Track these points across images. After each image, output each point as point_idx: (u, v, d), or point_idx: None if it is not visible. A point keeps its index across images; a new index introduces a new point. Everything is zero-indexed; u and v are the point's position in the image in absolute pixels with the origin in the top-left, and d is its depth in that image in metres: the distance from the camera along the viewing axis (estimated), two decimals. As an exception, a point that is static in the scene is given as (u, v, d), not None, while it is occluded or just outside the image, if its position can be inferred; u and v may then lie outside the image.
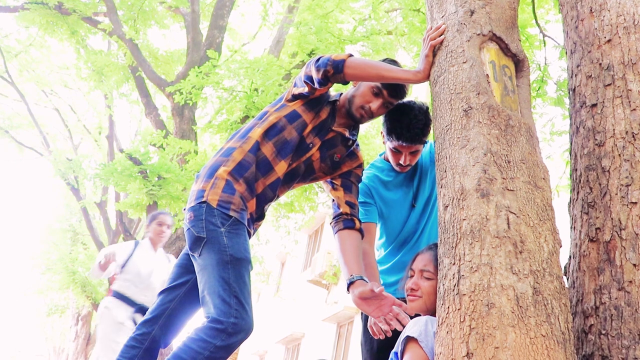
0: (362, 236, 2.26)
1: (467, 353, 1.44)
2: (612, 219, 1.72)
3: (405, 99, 2.30)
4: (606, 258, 1.70)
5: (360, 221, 2.27)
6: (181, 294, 2.13)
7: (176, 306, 2.12)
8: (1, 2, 9.98)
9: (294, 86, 2.26)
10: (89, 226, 12.65)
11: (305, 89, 2.20)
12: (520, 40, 2.11)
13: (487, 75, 1.89)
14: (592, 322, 1.66)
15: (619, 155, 1.78)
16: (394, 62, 2.23)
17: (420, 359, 1.67)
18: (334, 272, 13.39)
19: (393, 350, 1.81)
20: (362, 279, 2.03)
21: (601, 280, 1.69)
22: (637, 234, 1.66)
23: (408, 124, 2.27)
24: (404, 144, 2.32)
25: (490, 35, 1.98)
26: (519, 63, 2.03)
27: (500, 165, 1.69)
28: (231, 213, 2.00)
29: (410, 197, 2.51)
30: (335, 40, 7.38)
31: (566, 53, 2.18)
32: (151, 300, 4.26)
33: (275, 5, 10.50)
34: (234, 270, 1.92)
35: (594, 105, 1.91)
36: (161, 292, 2.16)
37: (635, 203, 1.70)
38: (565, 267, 1.87)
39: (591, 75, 1.96)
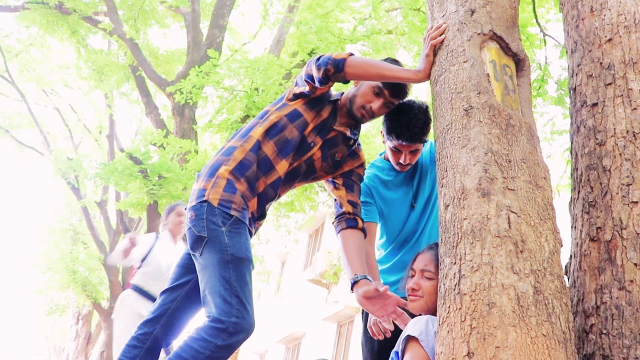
0: (365, 235, 2.27)
1: (468, 352, 1.44)
2: (613, 218, 1.72)
3: (406, 99, 2.30)
4: (607, 257, 1.70)
5: (363, 220, 2.27)
6: (183, 293, 2.13)
7: (178, 306, 2.12)
8: (2, 2, 9.98)
9: (295, 85, 2.26)
10: (89, 225, 12.66)
11: (306, 88, 2.20)
12: (520, 40, 2.11)
13: (488, 74, 1.89)
14: (593, 322, 1.66)
15: (620, 154, 1.78)
16: (395, 61, 2.23)
17: (421, 359, 1.67)
18: (335, 271, 13.38)
19: (394, 350, 1.81)
20: (366, 278, 2.03)
21: (602, 279, 1.69)
22: (638, 234, 1.66)
23: (408, 123, 2.27)
24: (404, 143, 2.31)
25: (491, 34, 1.98)
26: (519, 62, 2.03)
27: (501, 164, 1.69)
28: (232, 212, 2.00)
29: (410, 197, 2.51)
30: (336, 40, 7.38)
31: (567, 52, 2.17)
32: None
33: (275, 4, 10.51)
34: (235, 270, 1.92)
35: (595, 104, 1.90)
36: (163, 292, 2.16)
37: (636, 202, 1.70)
38: (566, 267, 1.87)
39: (592, 75, 1.96)
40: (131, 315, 4.20)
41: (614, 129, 1.82)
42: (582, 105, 1.96)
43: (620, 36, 1.93)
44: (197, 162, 7.35)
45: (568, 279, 1.85)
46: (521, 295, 1.48)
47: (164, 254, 4.42)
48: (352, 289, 2.05)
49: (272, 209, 8.83)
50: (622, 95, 1.85)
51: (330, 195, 2.41)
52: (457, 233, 1.65)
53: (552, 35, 4.99)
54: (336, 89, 2.43)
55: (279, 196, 2.24)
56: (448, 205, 1.73)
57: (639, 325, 1.58)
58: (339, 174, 2.33)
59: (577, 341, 1.68)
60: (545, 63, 5.32)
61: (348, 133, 2.30)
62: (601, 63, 1.94)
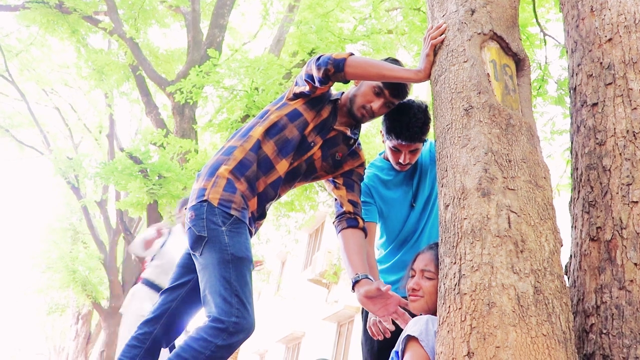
0: (366, 235, 2.27)
1: (468, 352, 1.44)
2: (613, 218, 1.72)
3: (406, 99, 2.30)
4: (607, 257, 1.70)
5: (363, 220, 2.27)
6: (183, 293, 2.13)
7: (178, 306, 2.12)
8: (2, 1, 9.98)
9: (295, 85, 2.26)
10: (89, 225, 12.67)
11: (306, 88, 2.20)
12: (520, 39, 2.11)
13: (488, 74, 1.89)
14: (593, 322, 1.66)
15: (620, 154, 1.78)
16: (395, 61, 2.23)
17: (421, 358, 1.67)
18: (335, 271, 13.37)
19: (394, 350, 1.81)
20: (367, 277, 2.03)
21: (602, 279, 1.69)
22: (638, 233, 1.66)
23: (407, 123, 2.27)
24: (404, 143, 2.31)
25: (491, 34, 1.98)
26: (519, 62, 2.03)
27: (501, 164, 1.69)
28: (232, 212, 2.00)
29: (410, 196, 2.51)
30: (336, 39, 7.38)
31: (567, 52, 2.17)
32: None
33: (275, 4, 10.51)
34: (235, 270, 1.92)
35: (595, 104, 1.91)
36: (163, 292, 2.16)
37: (636, 202, 1.70)
38: (566, 266, 1.87)
39: (592, 74, 1.96)
40: (141, 310, 4.16)
41: (614, 128, 1.82)
42: (582, 105, 1.96)
43: (620, 36, 1.93)
44: (197, 161, 7.35)
45: (568, 278, 1.85)
46: (521, 295, 1.48)
47: (176, 248, 4.38)
48: (353, 288, 2.05)
49: (272, 208, 8.82)
50: (622, 95, 1.85)
51: (331, 194, 2.41)
52: (457, 233, 1.65)
53: (552, 35, 4.99)
54: (336, 89, 2.43)
55: (279, 196, 2.24)
56: (448, 205, 1.73)
57: (639, 324, 1.58)
58: (339, 173, 2.33)
59: (577, 341, 1.68)
60: (546, 63, 5.31)
61: (348, 133, 2.30)
62: (601, 63, 1.94)
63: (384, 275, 2.51)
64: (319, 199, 9.10)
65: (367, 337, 2.41)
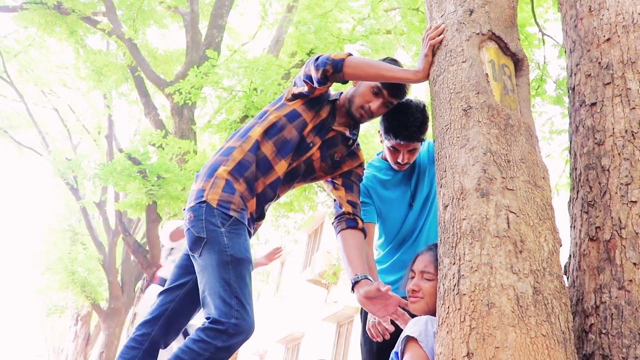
0: (365, 235, 2.26)
1: (468, 353, 1.44)
2: (612, 217, 1.72)
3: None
4: (606, 257, 1.70)
5: (362, 220, 2.27)
6: (181, 294, 2.13)
7: (176, 307, 2.12)
8: (0, 3, 9.96)
9: (294, 85, 2.25)
10: (88, 226, 12.66)
11: (305, 88, 2.19)
12: (519, 39, 2.11)
13: (487, 74, 1.89)
14: (593, 322, 1.66)
15: (619, 154, 1.78)
16: (394, 61, 2.23)
17: (420, 359, 1.67)
18: (334, 271, 13.37)
19: (393, 350, 1.81)
20: (367, 278, 2.02)
21: (601, 279, 1.69)
22: (637, 233, 1.66)
23: (405, 123, 2.27)
24: (402, 143, 2.31)
25: (490, 34, 1.98)
26: (518, 62, 2.03)
27: (500, 164, 1.69)
28: (231, 213, 2.00)
29: (408, 196, 2.51)
30: (335, 40, 7.38)
31: (565, 52, 2.17)
32: None
33: (274, 4, 10.50)
34: (235, 271, 1.92)
35: (594, 104, 1.90)
36: (161, 293, 2.16)
37: (635, 202, 1.70)
38: (565, 267, 1.87)
39: (590, 74, 1.96)
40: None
41: (613, 128, 1.82)
42: (580, 105, 1.96)
43: (618, 36, 1.93)
44: (196, 162, 7.34)
45: (567, 278, 1.85)
46: (520, 296, 1.48)
47: None
48: (353, 289, 2.04)
49: (271, 209, 8.82)
50: (620, 94, 1.85)
51: (330, 195, 2.41)
52: (456, 233, 1.65)
53: (551, 34, 5.00)
54: (335, 89, 2.42)
55: (278, 196, 2.24)
56: (447, 206, 1.73)
57: (638, 324, 1.58)
58: (338, 174, 2.33)
59: (576, 341, 1.68)
60: (544, 63, 5.32)
61: (347, 133, 2.30)
62: (600, 63, 1.94)
63: (383, 275, 2.51)
64: (318, 200, 9.09)
65: (366, 338, 2.41)
